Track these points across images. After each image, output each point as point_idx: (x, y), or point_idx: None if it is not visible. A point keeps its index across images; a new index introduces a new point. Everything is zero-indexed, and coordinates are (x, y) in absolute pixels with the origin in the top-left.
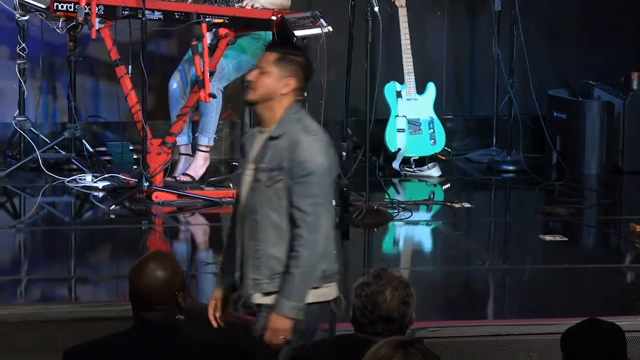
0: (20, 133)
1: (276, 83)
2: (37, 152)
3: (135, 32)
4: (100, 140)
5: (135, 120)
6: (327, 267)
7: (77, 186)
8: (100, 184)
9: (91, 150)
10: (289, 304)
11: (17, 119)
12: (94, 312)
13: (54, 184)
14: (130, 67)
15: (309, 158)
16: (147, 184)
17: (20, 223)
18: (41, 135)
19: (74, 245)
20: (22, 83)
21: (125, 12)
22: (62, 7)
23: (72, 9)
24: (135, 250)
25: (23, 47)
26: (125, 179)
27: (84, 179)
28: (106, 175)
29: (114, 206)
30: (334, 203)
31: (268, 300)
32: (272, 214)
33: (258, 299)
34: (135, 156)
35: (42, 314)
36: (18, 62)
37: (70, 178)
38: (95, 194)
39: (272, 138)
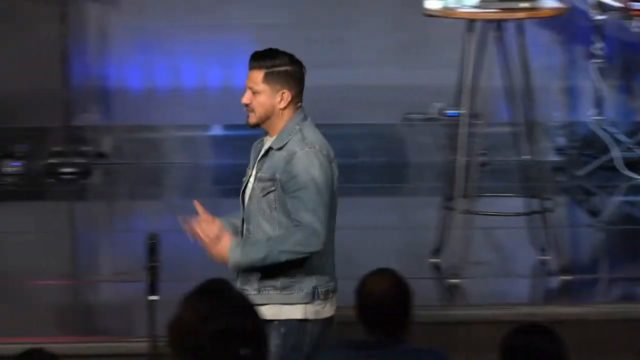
0: (597, 132)
1: (271, 100)
2: (614, 151)
3: None
4: None
5: None
6: (319, 284)
7: None
8: None
9: None
10: (238, 252)
11: (594, 117)
12: None
13: (630, 183)
14: None
15: (302, 171)
16: None
17: (599, 222)
18: (617, 134)
19: None
20: (599, 82)
21: None
22: (637, 5)
23: None
24: None
25: (600, 46)
26: None
27: None
28: None
29: None
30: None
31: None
32: (265, 224)
33: None
34: None
35: (624, 312)
36: (594, 61)
37: None
38: None
39: (271, 149)
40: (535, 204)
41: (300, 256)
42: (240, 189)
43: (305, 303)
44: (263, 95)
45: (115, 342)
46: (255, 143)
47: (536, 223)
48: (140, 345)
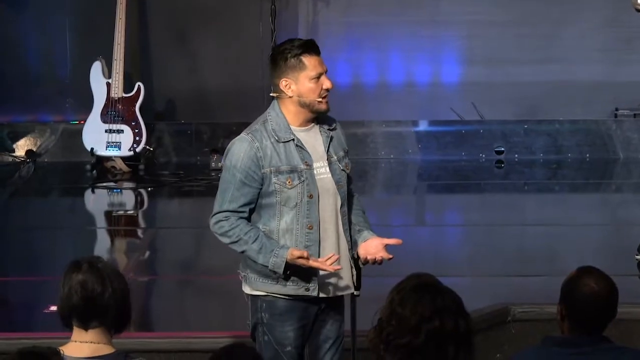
0: None
1: None
2: None
3: None
4: None
5: None
6: None
7: None
8: None
9: None
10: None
11: None
12: None
13: None
14: None
15: None
16: None
17: None
18: None
19: None
20: None
21: None
22: None
23: None
24: None
25: None
26: None
27: None
28: None
29: None
30: None
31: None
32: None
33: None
34: None
35: None
36: None
37: None
38: None
39: (330, 131)
40: None
41: None
42: (297, 189)
43: None
44: None
45: None
46: (265, 145)
47: None
48: None
